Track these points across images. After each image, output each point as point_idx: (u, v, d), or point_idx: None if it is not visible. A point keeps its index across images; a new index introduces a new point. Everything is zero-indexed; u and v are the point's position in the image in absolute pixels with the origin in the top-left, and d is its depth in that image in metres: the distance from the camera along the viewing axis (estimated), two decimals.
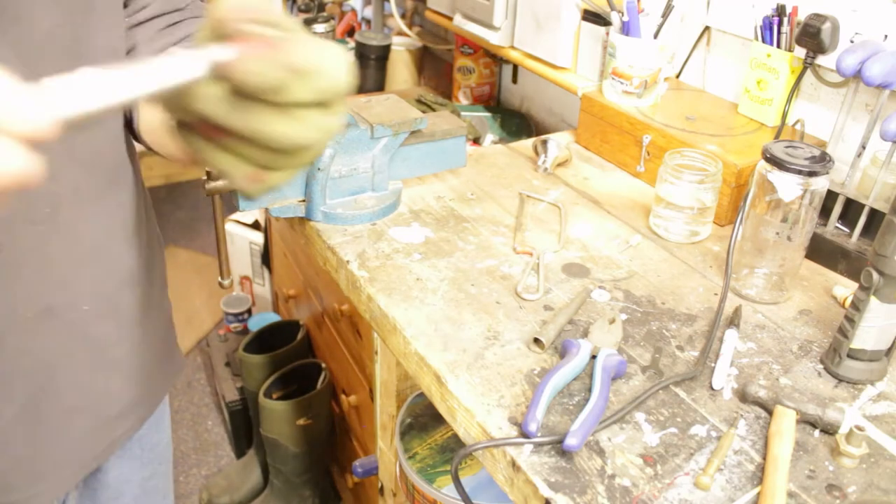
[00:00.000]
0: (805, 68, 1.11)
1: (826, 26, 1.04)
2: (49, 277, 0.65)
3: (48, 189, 0.59)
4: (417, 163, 1.13)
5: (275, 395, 1.93)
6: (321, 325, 1.94)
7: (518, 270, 0.97)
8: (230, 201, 0.99)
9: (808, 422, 0.74)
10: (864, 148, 0.96)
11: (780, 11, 1.11)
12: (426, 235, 1.04)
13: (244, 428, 2.23)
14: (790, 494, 0.66)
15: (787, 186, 0.87)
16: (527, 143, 1.34)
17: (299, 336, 2.07)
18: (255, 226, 2.36)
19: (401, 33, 2.00)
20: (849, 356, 0.79)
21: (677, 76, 1.37)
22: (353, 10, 2.33)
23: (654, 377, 0.79)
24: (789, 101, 1.14)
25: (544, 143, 1.25)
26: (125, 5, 0.70)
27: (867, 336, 0.78)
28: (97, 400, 0.76)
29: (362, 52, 1.95)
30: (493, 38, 1.47)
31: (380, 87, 2.00)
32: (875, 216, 0.95)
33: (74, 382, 0.72)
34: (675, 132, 1.15)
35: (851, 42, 1.04)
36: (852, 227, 0.98)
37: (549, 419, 0.73)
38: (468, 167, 1.23)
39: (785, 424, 0.71)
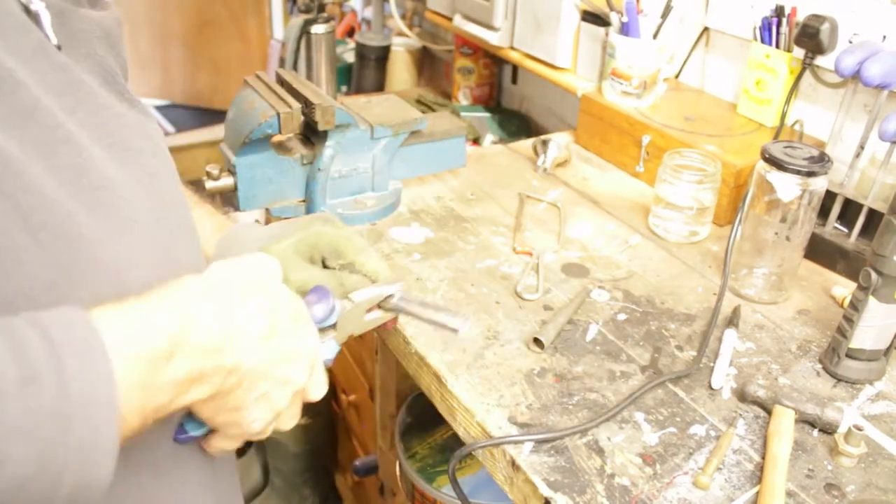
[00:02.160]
0: (804, 69, 1.11)
1: (825, 27, 1.04)
2: None
3: None
4: (417, 163, 1.13)
5: None
6: None
7: (518, 270, 0.97)
8: (231, 201, 1.00)
9: (806, 421, 0.74)
10: (862, 148, 0.97)
11: (779, 12, 1.11)
12: (426, 235, 1.04)
13: None
14: (789, 494, 0.66)
15: (786, 186, 0.87)
16: (526, 144, 1.34)
17: None
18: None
19: (401, 34, 2.00)
20: (847, 356, 0.80)
21: (676, 77, 1.38)
22: (354, 11, 2.33)
23: (653, 377, 0.80)
24: (788, 101, 1.14)
25: (544, 143, 1.25)
26: None
27: (866, 336, 0.78)
28: None
29: (362, 53, 1.96)
30: (493, 39, 1.47)
31: (380, 87, 2.00)
32: (874, 216, 0.96)
33: None
34: (675, 132, 1.15)
35: (850, 43, 1.04)
36: (851, 227, 0.98)
37: (549, 418, 0.73)
38: (468, 167, 1.23)
39: (784, 424, 0.71)
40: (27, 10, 0.46)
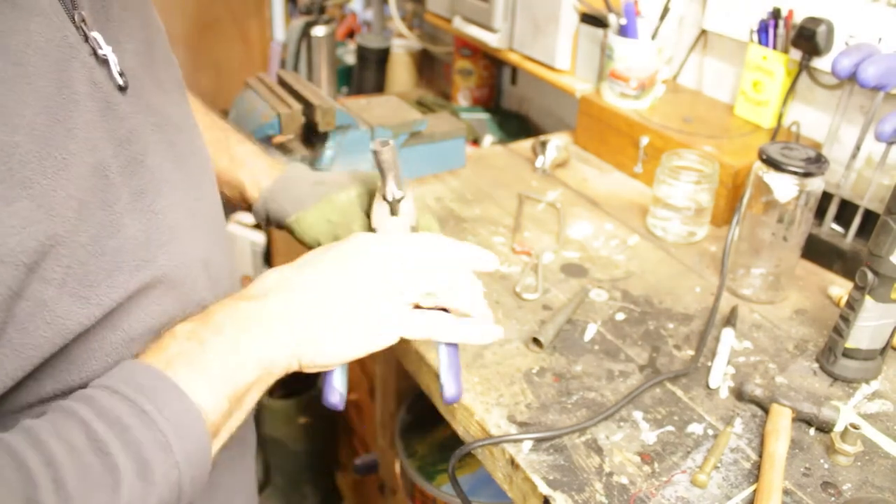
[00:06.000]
0: (800, 70, 1.11)
1: (821, 29, 1.05)
2: None
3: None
4: (417, 164, 1.14)
5: (276, 394, 1.93)
6: None
7: (517, 270, 0.98)
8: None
9: (803, 420, 0.74)
10: (858, 149, 0.97)
11: (776, 14, 1.12)
12: None
13: None
14: (786, 492, 0.67)
15: (783, 187, 0.88)
16: (525, 145, 1.35)
17: None
18: (257, 226, 2.37)
19: (401, 36, 2.00)
20: (844, 355, 0.80)
21: (674, 78, 1.38)
22: (354, 13, 2.34)
23: (651, 376, 0.80)
24: (785, 102, 1.14)
25: (543, 144, 1.26)
26: None
27: (862, 335, 0.79)
28: None
29: (363, 55, 1.96)
30: (492, 41, 1.48)
31: (380, 89, 2.01)
32: (870, 217, 0.96)
33: None
34: (673, 133, 1.16)
35: (846, 45, 1.05)
36: (847, 227, 0.99)
37: (548, 417, 0.74)
38: (467, 168, 1.24)
39: (781, 423, 0.72)
40: (95, 55, 0.47)
